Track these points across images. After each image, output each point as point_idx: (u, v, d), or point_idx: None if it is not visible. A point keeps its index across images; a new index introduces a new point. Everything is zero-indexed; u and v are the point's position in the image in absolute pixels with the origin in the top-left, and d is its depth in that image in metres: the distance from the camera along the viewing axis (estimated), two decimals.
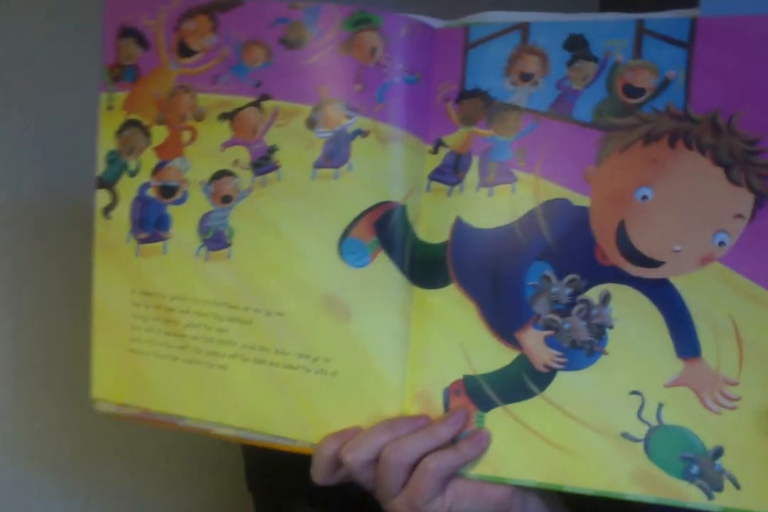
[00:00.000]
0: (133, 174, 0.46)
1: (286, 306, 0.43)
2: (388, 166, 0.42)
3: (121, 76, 0.46)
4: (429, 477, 0.39)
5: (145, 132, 0.45)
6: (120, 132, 0.46)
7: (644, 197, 0.38)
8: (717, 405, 0.36)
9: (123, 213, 0.46)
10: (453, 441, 0.41)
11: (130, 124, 0.46)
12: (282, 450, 0.44)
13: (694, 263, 0.37)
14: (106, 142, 0.47)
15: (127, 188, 0.46)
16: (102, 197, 0.47)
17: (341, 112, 0.42)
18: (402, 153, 0.42)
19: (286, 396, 0.43)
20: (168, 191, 0.45)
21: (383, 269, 0.42)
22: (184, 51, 0.44)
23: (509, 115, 0.41)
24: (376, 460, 0.40)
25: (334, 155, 0.42)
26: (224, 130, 0.44)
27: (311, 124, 0.43)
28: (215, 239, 0.44)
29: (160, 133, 0.45)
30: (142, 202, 0.46)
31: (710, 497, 0.36)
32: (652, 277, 0.38)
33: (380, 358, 0.42)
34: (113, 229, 0.47)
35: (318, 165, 0.43)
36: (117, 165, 0.46)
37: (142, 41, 0.45)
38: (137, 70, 0.45)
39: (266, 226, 0.43)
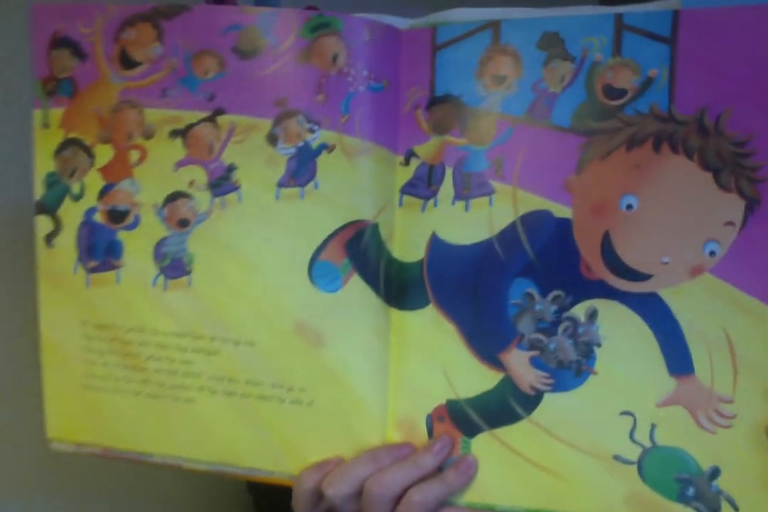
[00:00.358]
0: (77, 198, 0.42)
1: (256, 335, 0.40)
2: (357, 181, 0.39)
3: (56, 90, 0.42)
4: (414, 510, 0.37)
5: (88, 152, 0.42)
6: (58, 152, 0.42)
7: (629, 206, 0.36)
8: (712, 423, 0.35)
9: (68, 240, 0.42)
10: (439, 469, 0.39)
11: (69, 143, 0.42)
12: (260, 481, 0.42)
13: (684, 275, 0.36)
14: (44, 164, 0.42)
15: (71, 213, 0.42)
16: (43, 224, 0.43)
17: (303, 125, 0.39)
18: (371, 167, 0.40)
19: (259, 428, 0.41)
20: (117, 216, 0.42)
21: (357, 292, 0.40)
22: (127, 62, 0.41)
23: (483, 121, 0.39)
24: (359, 493, 0.38)
25: (299, 173, 0.39)
26: (176, 149, 0.40)
27: (272, 139, 0.39)
28: (173, 266, 0.41)
29: (104, 153, 0.41)
30: (89, 228, 0.42)
31: None
32: (641, 291, 0.37)
33: (359, 385, 0.40)
34: (58, 258, 0.43)
35: (282, 184, 0.40)
36: (58, 188, 0.42)
37: (78, 51, 0.41)
38: (74, 83, 0.41)
39: (228, 251, 0.40)
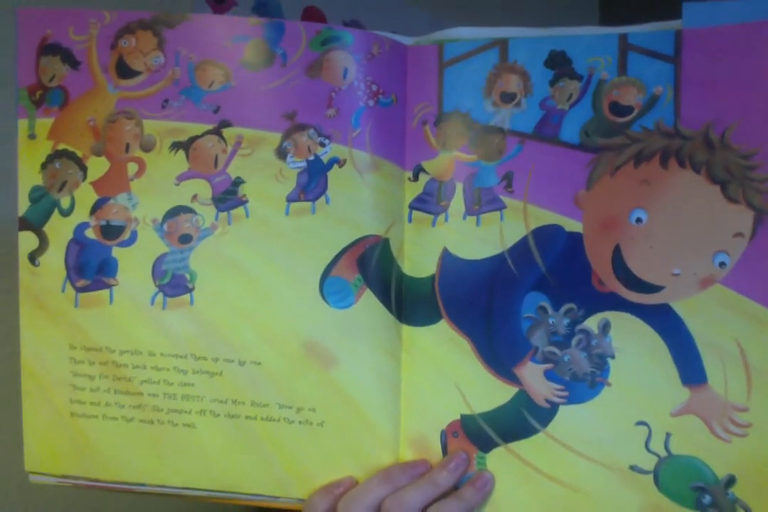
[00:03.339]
0: (66, 213, 0.40)
1: (263, 355, 0.39)
2: (368, 196, 0.39)
3: (44, 99, 0.39)
4: None
5: (79, 164, 0.39)
6: (46, 164, 0.40)
7: (638, 220, 0.37)
8: (727, 432, 0.36)
9: (55, 258, 0.40)
10: (455, 486, 0.38)
11: (58, 155, 0.39)
12: (263, 506, 0.40)
13: (695, 286, 0.37)
14: (29, 177, 0.40)
15: (59, 229, 0.40)
16: (27, 241, 0.40)
17: (314, 139, 0.38)
18: (381, 182, 0.39)
19: (263, 451, 0.39)
20: (112, 231, 0.39)
21: (369, 309, 0.39)
22: (125, 71, 0.39)
23: (492, 138, 0.39)
24: None
25: (310, 187, 0.39)
26: (178, 162, 0.39)
27: (281, 153, 0.39)
28: (173, 284, 0.39)
29: (98, 166, 0.39)
30: (79, 245, 0.40)
31: None
32: (653, 303, 0.37)
33: (370, 404, 0.39)
34: (43, 277, 0.40)
35: (292, 198, 0.39)
36: (44, 203, 0.40)
37: (70, 59, 0.39)
38: (65, 92, 0.39)
39: (234, 268, 0.39)
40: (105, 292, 0.40)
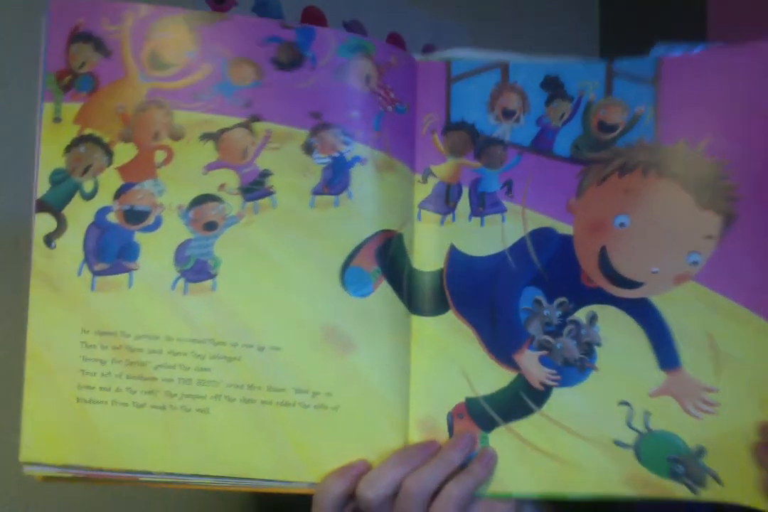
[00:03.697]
0: (88, 197, 0.40)
1: (283, 340, 0.40)
2: (385, 194, 0.42)
3: (72, 84, 0.40)
4: (454, 504, 0.39)
5: (106, 149, 0.40)
6: (71, 148, 0.40)
7: (622, 224, 0.43)
8: (698, 410, 0.42)
9: (73, 241, 0.40)
10: (461, 465, 0.41)
11: (84, 139, 0.40)
12: (273, 492, 0.41)
13: (671, 283, 0.42)
14: (51, 160, 0.40)
15: (79, 213, 0.40)
16: (44, 223, 0.40)
17: (339, 138, 0.41)
18: (397, 181, 0.42)
19: (277, 436, 0.40)
20: (136, 216, 0.40)
21: (385, 298, 0.42)
22: (157, 63, 0.40)
23: (496, 148, 0.43)
24: (394, 495, 0.39)
25: (334, 182, 0.41)
26: (207, 152, 0.40)
27: (308, 149, 0.41)
28: (196, 270, 0.40)
29: (125, 152, 0.40)
30: (100, 228, 0.40)
31: (695, 492, 0.41)
32: (634, 297, 0.43)
33: (384, 389, 0.41)
34: (59, 260, 0.40)
35: (316, 192, 0.41)
36: (66, 186, 0.40)
37: (102, 47, 0.40)
38: (95, 79, 0.40)
39: (258, 256, 0.41)
40: (124, 276, 0.40)
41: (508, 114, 0.43)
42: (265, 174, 0.41)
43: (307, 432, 0.41)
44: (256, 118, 0.41)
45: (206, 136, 0.40)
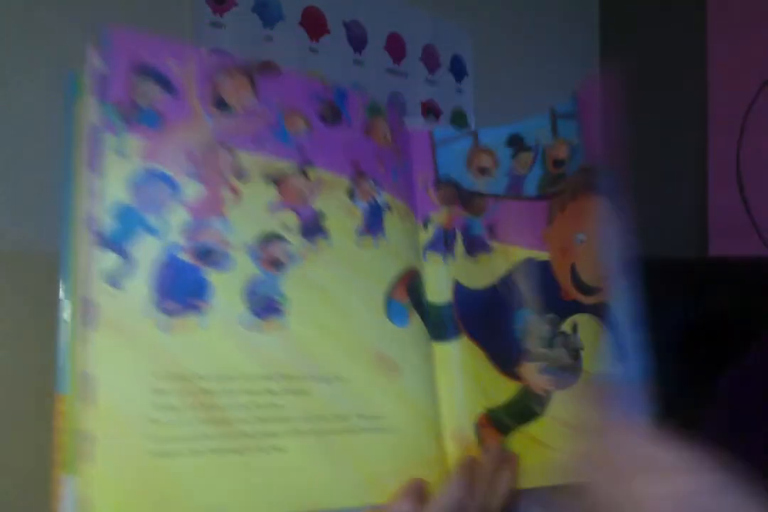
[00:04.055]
0: (155, 234, 0.38)
1: (344, 370, 0.43)
2: (407, 237, 0.48)
3: (135, 117, 0.38)
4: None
5: (173, 185, 0.39)
6: (136, 183, 0.38)
7: (582, 241, 0.53)
8: None
9: (139, 280, 0.37)
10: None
11: (151, 174, 0.38)
12: None
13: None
14: (115, 192, 0.37)
15: (146, 250, 0.38)
16: (106, 261, 0.37)
17: (372, 186, 0.46)
18: (411, 226, 0.48)
19: (346, 463, 0.42)
20: (206, 254, 0.39)
21: (418, 327, 0.46)
22: (221, 105, 0.41)
23: (476, 199, 0.52)
24: None
25: (372, 224, 0.46)
26: (271, 193, 0.42)
27: (350, 194, 0.45)
28: (266, 307, 0.41)
29: (192, 189, 0.39)
30: (169, 266, 0.38)
31: None
32: (597, 302, 0.53)
33: (425, 407, 0.45)
34: (124, 301, 0.37)
35: (360, 232, 0.45)
36: (129, 220, 0.38)
37: (167, 85, 0.40)
38: (161, 115, 0.39)
39: (320, 292, 0.43)
40: (195, 315, 0.39)
41: (483, 170, 0.52)
42: (320, 215, 0.43)
43: (369, 455, 0.43)
44: (310, 164, 0.44)
45: (269, 178, 0.42)
